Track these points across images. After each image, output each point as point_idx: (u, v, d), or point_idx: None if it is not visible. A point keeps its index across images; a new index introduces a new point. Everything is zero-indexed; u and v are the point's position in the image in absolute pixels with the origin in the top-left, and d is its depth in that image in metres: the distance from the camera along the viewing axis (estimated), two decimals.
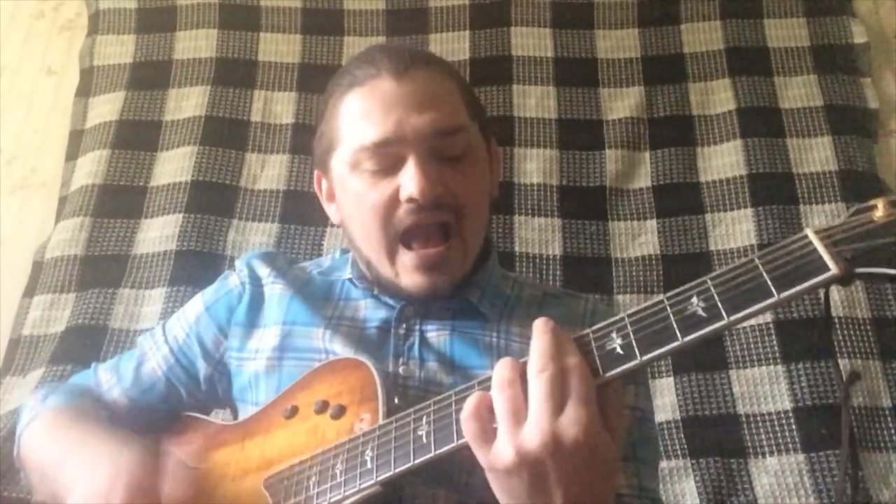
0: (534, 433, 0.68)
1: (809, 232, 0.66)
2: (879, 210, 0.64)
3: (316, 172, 1.16)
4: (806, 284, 0.65)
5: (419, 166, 0.98)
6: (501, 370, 0.73)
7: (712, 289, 0.69)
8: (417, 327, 1.06)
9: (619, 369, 0.71)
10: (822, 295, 0.73)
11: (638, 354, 0.70)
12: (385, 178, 1.01)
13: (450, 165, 1.02)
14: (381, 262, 1.03)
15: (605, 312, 1.13)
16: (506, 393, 0.71)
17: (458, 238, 1.02)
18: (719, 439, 1.82)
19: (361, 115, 1.02)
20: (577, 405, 0.69)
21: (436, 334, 1.06)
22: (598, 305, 1.15)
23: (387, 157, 1.00)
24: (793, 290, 0.65)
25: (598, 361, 0.72)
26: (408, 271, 1.01)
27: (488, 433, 0.72)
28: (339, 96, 1.06)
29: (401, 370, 1.02)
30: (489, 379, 0.76)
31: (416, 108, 1.01)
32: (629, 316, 0.72)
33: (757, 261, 0.68)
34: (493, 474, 0.72)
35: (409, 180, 0.98)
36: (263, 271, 1.18)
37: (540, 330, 0.74)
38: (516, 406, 0.71)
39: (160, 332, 1.20)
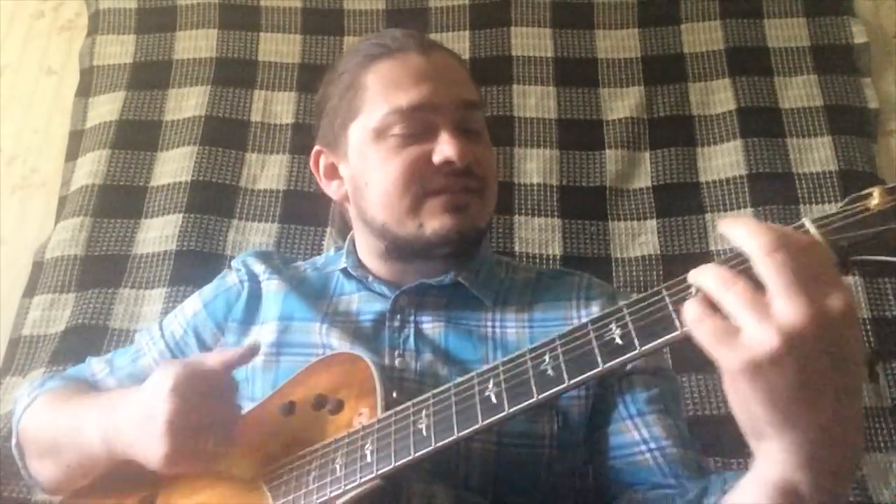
0: (795, 309, 0.58)
1: (806, 221, 0.67)
2: (875, 198, 0.66)
3: (315, 150, 1.17)
4: None
5: (454, 133, 1.02)
6: (712, 271, 0.64)
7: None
8: (412, 318, 1.07)
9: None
10: None
11: None
12: (413, 144, 1.04)
13: (472, 139, 1.06)
14: (401, 219, 1.04)
15: (599, 285, 1.14)
16: (737, 286, 0.61)
17: (479, 198, 1.06)
18: (719, 439, 1.81)
19: (394, 81, 1.05)
20: (829, 278, 0.60)
21: (430, 325, 1.06)
22: (593, 279, 1.16)
23: (418, 123, 1.03)
24: None
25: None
26: (436, 214, 1.03)
27: (730, 328, 0.60)
28: (362, 66, 1.09)
29: (396, 362, 1.03)
30: (506, 361, 0.77)
31: (445, 80, 1.07)
32: None
33: None
34: (748, 375, 0.60)
35: (447, 145, 1.01)
36: (259, 268, 1.19)
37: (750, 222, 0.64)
38: (754, 296, 0.60)
39: (157, 329, 1.21)
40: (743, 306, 0.60)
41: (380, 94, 1.06)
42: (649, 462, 0.97)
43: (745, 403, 0.62)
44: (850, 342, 0.60)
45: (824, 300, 0.58)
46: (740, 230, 0.62)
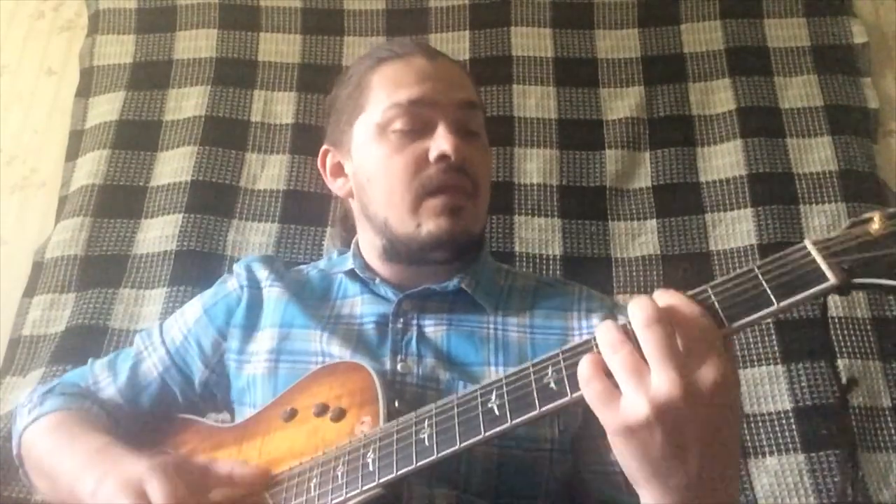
0: (666, 382, 0.63)
1: (808, 243, 0.69)
2: (876, 223, 0.67)
3: (323, 148, 1.20)
4: (805, 294, 0.67)
5: (451, 129, 1.06)
6: (606, 333, 0.69)
7: (713, 297, 0.70)
8: (415, 322, 1.08)
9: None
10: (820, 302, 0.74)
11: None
12: (413, 142, 1.07)
13: (469, 140, 1.09)
14: (402, 217, 1.07)
15: (599, 297, 1.15)
16: (622, 351, 0.67)
17: (473, 202, 1.09)
18: None
19: (397, 78, 1.09)
20: (705, 350, 0.65)
21: (433, 329, 1.07)
22: (592, 291, 1.17)
23: (417, 119, 1.07)
24: (792, 300, 0.67)
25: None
26: (433, 216, 1.06)
27: (613, 393, 0.66)
28: (370, 67, 1.13)
29: (399, 367, 1.03)
30: (509, 375, 0.77)
31: (447, 81, 1.11)
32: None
33: (756, 270, 0.69)
34: (623, 436, 0.66)
35: (443, 140, 1.05)
36: (262, 273, 1.20)
37: (652, 295, 0.70)
38: (636, 362, 0.65)
39: (157, 333, 1.21)
40: (624, 373, 0.66)
41: (383, 90, 1.09)
42: (619, 481, 0.97)
43: (622, 458, 0.68)
44: (721, 410, 0.65)
45: (695, 373, 0.64)
46: (630, 304, 0.68)
